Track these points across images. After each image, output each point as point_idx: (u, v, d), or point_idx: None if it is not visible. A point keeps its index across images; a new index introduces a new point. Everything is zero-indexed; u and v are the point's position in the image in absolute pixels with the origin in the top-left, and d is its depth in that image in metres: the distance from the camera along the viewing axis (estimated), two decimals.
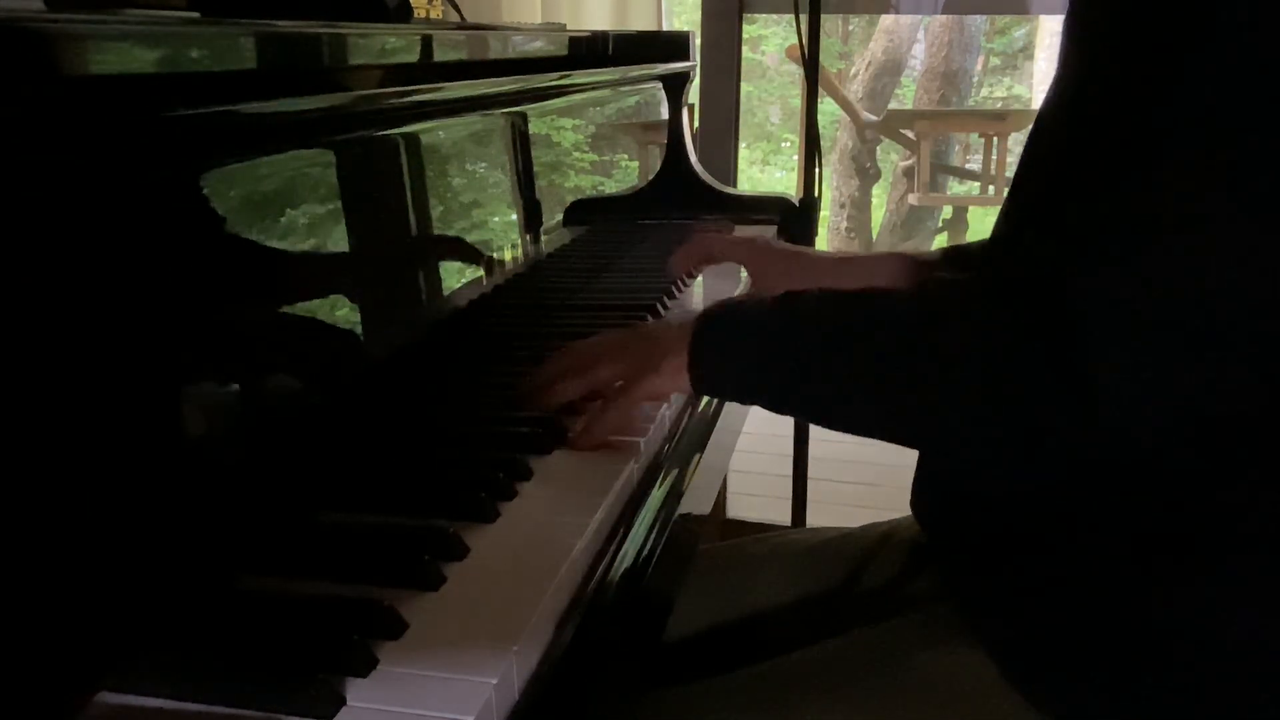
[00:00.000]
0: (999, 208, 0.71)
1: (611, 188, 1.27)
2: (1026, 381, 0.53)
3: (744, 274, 1.17)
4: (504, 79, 0.92)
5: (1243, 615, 0.56)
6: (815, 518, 1.78)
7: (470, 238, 0.88)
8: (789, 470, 1.73)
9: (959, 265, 0.90)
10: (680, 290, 1.09)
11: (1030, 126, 0.68)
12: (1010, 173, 3.93)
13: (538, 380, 0.73)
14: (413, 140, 0.78)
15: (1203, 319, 0.49)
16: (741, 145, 1.99)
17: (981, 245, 0.90)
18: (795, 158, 5.62)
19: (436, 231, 0.83)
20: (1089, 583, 0.59)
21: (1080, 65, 0.61)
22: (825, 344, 0.61)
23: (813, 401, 0.63)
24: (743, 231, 1.33)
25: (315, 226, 0.66)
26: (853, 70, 5.59)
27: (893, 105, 5.25)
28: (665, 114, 1.45)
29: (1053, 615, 0.61)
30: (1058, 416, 0.52)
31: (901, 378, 0.58)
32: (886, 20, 5.28)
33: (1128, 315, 0.50)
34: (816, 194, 1.51)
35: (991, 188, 4.20)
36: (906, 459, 0.75)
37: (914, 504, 0.76)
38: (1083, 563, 0.60)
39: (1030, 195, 0.66)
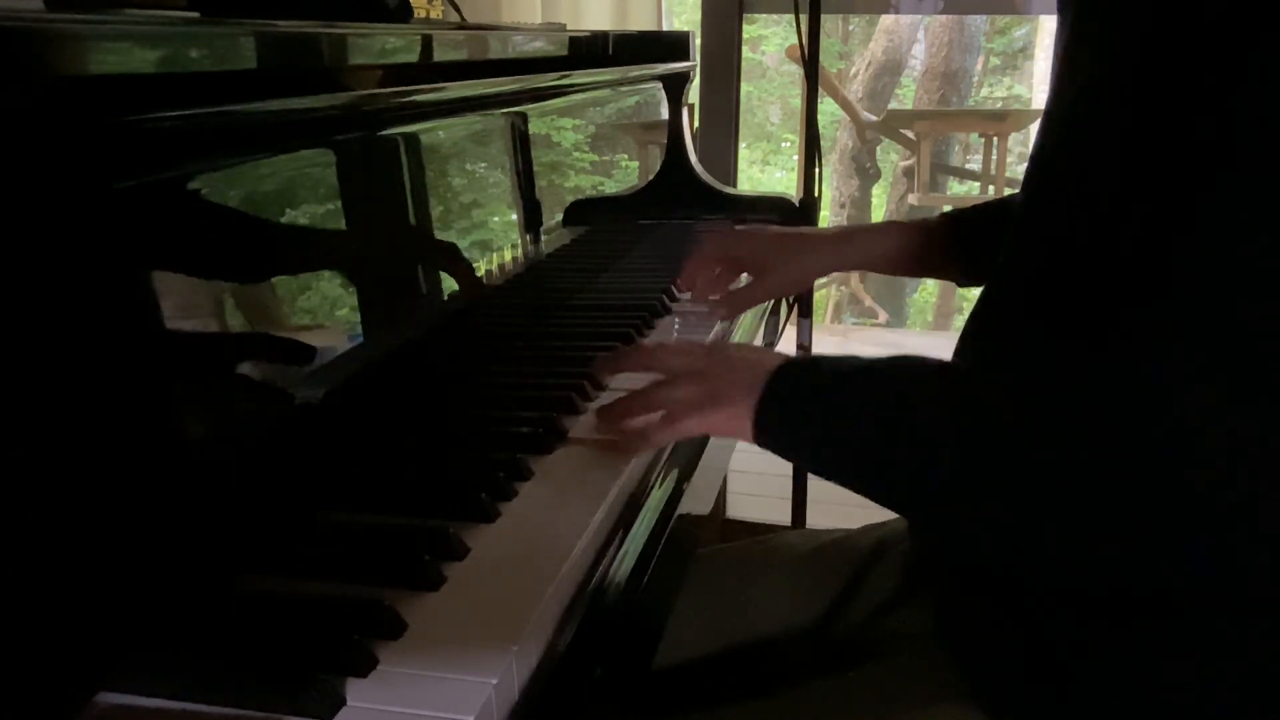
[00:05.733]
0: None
1: (611, 188, 1.27)
2: (1112, 507, 0.49)
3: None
4: (504, 79, 0.92)
5: (1248, 673, 0.54)
6: (815, 518, 1.78)
7: (470, 238, 0.88)
8: (789, 470, 1.73)
9: (960, 232, 0.89)
10: (680, 290, 1.09)
11: (1032, 126, 0.66)
12: (1010, 173, 3.93)
13: (612, 365, 0.72)
14: (413, 140, 0.78)
15: None
16: (741, 145, 1.99)
17: (983, 208, 0.89)
18: (795, 158, 5.61)
19: (436, 232, 0.83)
20: (1084, 641, 0.58)
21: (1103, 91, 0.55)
22: (894, 441, 0.56)
23: (884, 493, 0.59)
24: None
25: (315, 226, 0.66)
26: (853, 70, 5.58)
27: (893, 105, 5.25)
28: (665, 114, 1.44)
29: (1049, 674, 0.59)
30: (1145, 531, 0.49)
31: (967, 490, 0.54)
32: (886, 20, 5.28)
33: (1208, 432, 0.47)
34: (816, 194, 1.51)
35: (991, 188, 4.19)
36: None
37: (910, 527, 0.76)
38: (1081, 619, 0.58)
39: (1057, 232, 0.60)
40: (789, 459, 0.62)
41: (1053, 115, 0.61)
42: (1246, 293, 0.46)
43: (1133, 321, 0.49)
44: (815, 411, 0.60)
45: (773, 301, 1.15)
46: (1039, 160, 0.63)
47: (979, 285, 0.74)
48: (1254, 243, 0.45)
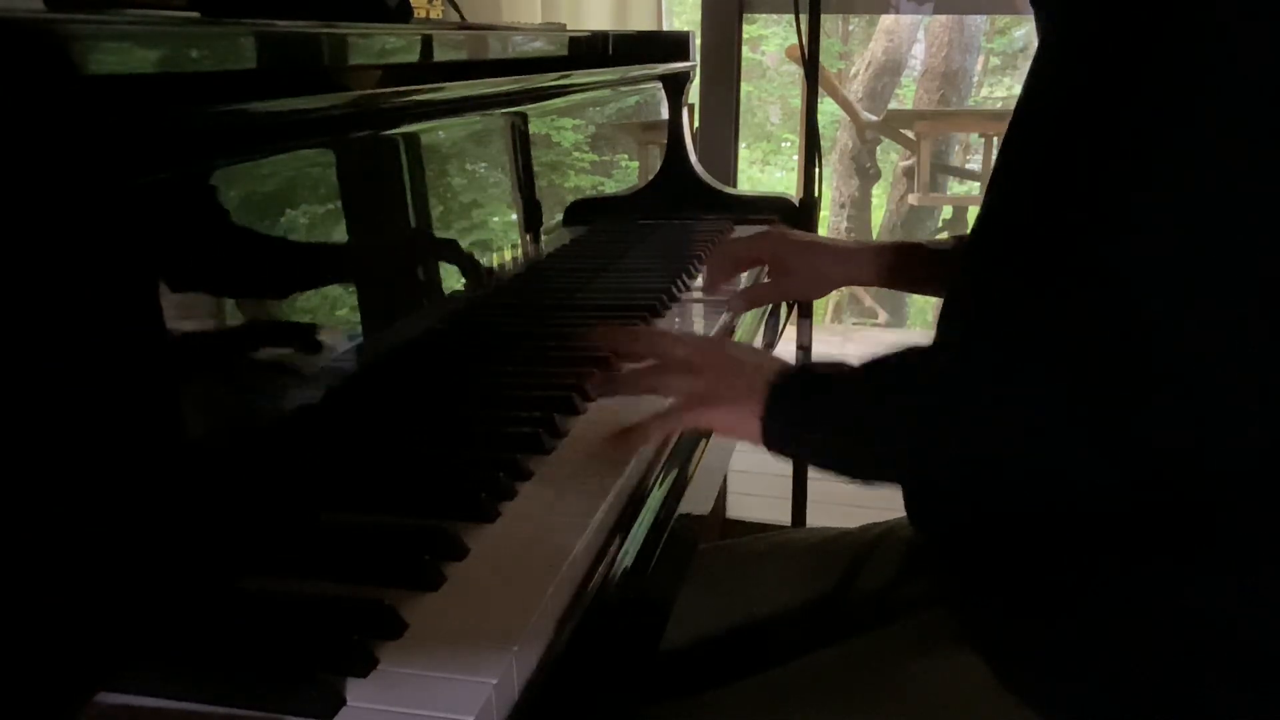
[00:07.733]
0: None
1: (611, 188, 1.27)
2: (1079, 439, 0.53)
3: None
4: (504, 79, 0.92)
5: (1243, 613, 0.56)
6: (815, 518, 1.78)
7: (470, 238, 0.88)
8: (789, 470, 1.73)
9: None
10: (681, 290, 1.09)
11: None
12: None
13: (612, 339, 0.72)
14: (413, 140, 0.78)
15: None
16: (741, 145, 1.99)
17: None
18: (795, 158, 5.62)
19: (437, 232, 0.83)
20: (1084, 584, 0.59)
21: (1060, 51, 0.59)
22: (900, 424, 0.60)
23: (886, 478, 0.64)
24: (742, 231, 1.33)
25: (315, 227, 0.66)
26: (853, 70, 5.58)
27: (893, 105, 5.25)
28: (665, 114, 1.44)
29: (1048, 618, 0.60)
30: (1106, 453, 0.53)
31: (969, 451, 0.58)
32: (886, 20, 5.27)
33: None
34: (816, 194, 1.51)
35: None
36: None
37: (908, 506, 0.76)
38: (1078, 564, 0.60)
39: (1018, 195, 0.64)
40: (793, 459, 0.64)
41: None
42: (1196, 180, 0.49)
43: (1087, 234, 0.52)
44: (823, 413, 0.62)
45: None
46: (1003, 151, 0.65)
47: None
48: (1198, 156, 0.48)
